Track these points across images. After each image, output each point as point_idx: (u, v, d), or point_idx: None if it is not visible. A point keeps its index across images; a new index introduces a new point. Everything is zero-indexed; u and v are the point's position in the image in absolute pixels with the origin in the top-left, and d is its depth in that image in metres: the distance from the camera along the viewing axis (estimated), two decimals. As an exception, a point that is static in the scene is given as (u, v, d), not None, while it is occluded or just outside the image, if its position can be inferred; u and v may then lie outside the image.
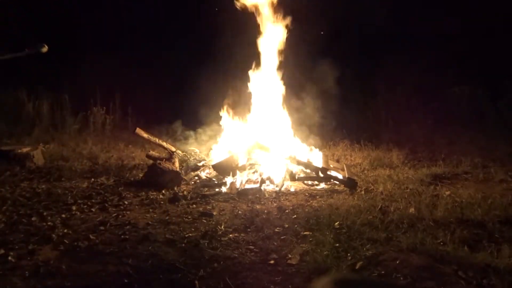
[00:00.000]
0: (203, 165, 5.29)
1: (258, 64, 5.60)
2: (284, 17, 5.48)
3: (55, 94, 7.37)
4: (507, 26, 7.63)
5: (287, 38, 5.54)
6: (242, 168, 4.86)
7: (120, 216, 3.67)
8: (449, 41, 7.98)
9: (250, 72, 5.63)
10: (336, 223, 3.37)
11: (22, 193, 4.18)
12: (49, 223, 3.45)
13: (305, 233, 3.29)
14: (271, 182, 4.67)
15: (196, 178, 4.95)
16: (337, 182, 4.61)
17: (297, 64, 5.92)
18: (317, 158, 5.25)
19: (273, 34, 5.54)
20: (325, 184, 4.70)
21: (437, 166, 5.13)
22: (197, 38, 8.43)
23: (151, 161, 5.12)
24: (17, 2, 8.42)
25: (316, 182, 4.73)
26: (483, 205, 3.64)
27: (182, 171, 4.99)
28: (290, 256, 2.92)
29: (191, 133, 6.63)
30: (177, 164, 5.01)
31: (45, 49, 3.02)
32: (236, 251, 3.00)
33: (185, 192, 4.40)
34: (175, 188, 4.49)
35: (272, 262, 2.85)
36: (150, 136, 5.42)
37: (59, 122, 7.15)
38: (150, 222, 3.54)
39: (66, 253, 2.92)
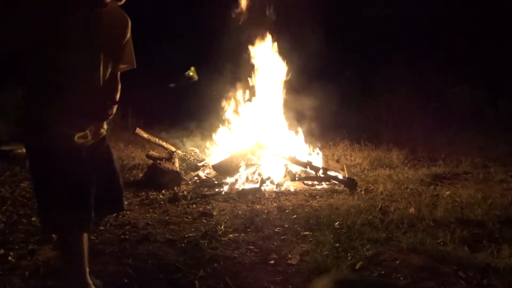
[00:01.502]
0: (203, 165, 5.29)
1: (257, 65, 5.60)
2: (285, 16, 5.48)
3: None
4: (507, 26, 7.62)
5: (287, 38, 5.54)
6: (242, 168, 4.86)
7: (120, 216, 3.67)
8: (449, 41, 7.98)
9: (250, 72, 5.63)
10: (336, 223, 3.37)
11: (22, 193, 4.18)
12: (49, 223, 3.45)
13: (305, 233, 3.29)
14: (271, 182, 4.67)
15: (196, 178, 4.95)
16: (337, 182, 4.61)
17: (297, 64, 5.91)
18: (317, 158, 5.25)
19: (273, 34, 5.55)
20: (325, 184, 4.70)
21: (437, 166, 5.12)
22: (197, 37, 8.43)
23: (151, 161, 5.12)
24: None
25: (316, 182, 4.73)
26: (483, 205, 3.64)
27: (182, 171, 4.99)
28: (290, 256, 2.92)
29: (191, 132, 6.63)
30: (177, 164, 5.01)
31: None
32: (236, 251, 3.00)
33: (185, 192, 4.40)
34: (175, 188, 4.49)
35: (272, 262, 2.85)
36: (150, 136, 5.42)
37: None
38: (150, 222, 3.55)
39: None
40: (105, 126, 2.29)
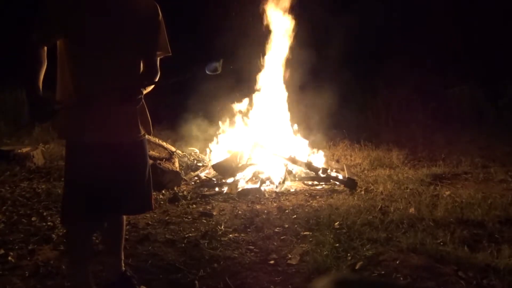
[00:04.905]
0: (203, 165, 5.29)
1: (258, 64, 5.60)
2: (286, 16, 5.48)
3: (55, 94, 7.34)
4: (507, 25, 7.63)
5: (288, 38, 5.53)
6: (242, 168, 4.86)
7: (120, 216, 3.66)
8: (449, 40, 7.98)
9: (250, 72, 5.63)
10: (336, 223, 3.37)
11: (22, 193, 4.18)
12: (49, 223, 3.45)
13: (305, 233, 3.29)
14: (271, 182, 4.67)
15: (196, 178, 4.95)
16: (337, 182, 4.61)
17: (297, 64, 5.91)
18: (317, 158, 5.25)
19: (272, 33, 5.54)
20: (325, 184, 4.70)
21: (437, 166, 5.12)
22: (197, 37, 8.42)
23: (151, 161, 5.11)
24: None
25: (316, 182, 4.73)
26: (483, 205, 3.64)
27: (182, 171, 4.99)
28: (290, 256, 2.92)
29: (191, 133, 6.62)
30: (177, 164, 5.00)
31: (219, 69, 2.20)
32: (236, 251, 3.00)
33: (185, 192, 4.40)
34: (175, 188, 4.49)
35: (272, 262, 2.85)
36: (150, 136, 5.41)
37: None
38: (150, 222, 3.55)
39: (66, 253, 2.92)
40: (142, 131, 2.27)
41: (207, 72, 2.18)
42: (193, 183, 4.81)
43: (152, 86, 2.27)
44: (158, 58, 2.33)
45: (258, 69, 5.61)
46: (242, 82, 5.77)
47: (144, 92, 2.18)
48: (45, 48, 2.07)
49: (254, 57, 5.62)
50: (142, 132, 2.28)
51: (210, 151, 5.61)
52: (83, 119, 2.08)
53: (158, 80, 2.28)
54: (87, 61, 2.06)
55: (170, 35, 2.32)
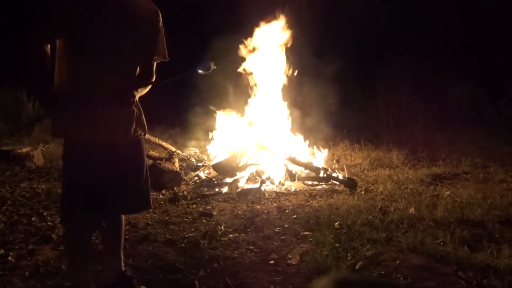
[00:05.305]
0: (203, 165, 5.29)
1: (257, 64, 5.59)
2: (284, 15, 5.47)
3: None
4: (507, 26, 7.62)
5: (287, 37, 5.53)
6: (242, 168, 4.86)
7: (120, 216, 3.66)
8: (449, 40, 7.98)
9: (249, 73, 5.62)
10: (336, 223, 3.37)
11: (22, 193, 4.18)
12: (49, 223, 3.45)
13: (305, 233, 3.29)
14: (271, 182, 4.67)
15: (196, 178, 4.95)
16: (337, 182, 4.61)
17: (296, 63, 5.91)
18: (317, 158, 5.25)
19: (272, 32, 5.53)
20: (325, 184, 4.70)
21: (437, 166, 5.12)
22: (196, 37, 8.42)
23: (151, 161, 5.11)
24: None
25: (316, 182, 4.73)
26: (483, 205, 3.64)
27: (182, 171, 4.99)
28: (290, 256, 2.92)
29: (191, 133, 6.63)
30: (177, 164, 5.01)
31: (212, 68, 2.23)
32: (236, 251, 3.00)
33: (185, 192, 4.40)
34: (175, 188, 4.49)
35: (272, 262, 2.85)
36: (150, 136, 5.42)
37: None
38: (150, 222, 3.55)
39: (65, 253, 2.92)
40: (138, 131, 2.28)
41: (199, 71, 2.21)
42: (193, 183, 4.81)
43: (147, 89, 2.29)
44: (155, 63, 2.34)
45: (258, 69, 5.60)
46: (242, 82, 5.76)
47: (138, 95, 2.20)
48: (48, 45, 2.10)
49: (254, 57, 5.60)
50: (139, 131, 2.28)
51: (210, 150, 5.61)
52: (80, 118, 2.09)
53: (153, 81, 2.29)
54: (85, 61, 2.07)
55: (168, 34, 2.33)
